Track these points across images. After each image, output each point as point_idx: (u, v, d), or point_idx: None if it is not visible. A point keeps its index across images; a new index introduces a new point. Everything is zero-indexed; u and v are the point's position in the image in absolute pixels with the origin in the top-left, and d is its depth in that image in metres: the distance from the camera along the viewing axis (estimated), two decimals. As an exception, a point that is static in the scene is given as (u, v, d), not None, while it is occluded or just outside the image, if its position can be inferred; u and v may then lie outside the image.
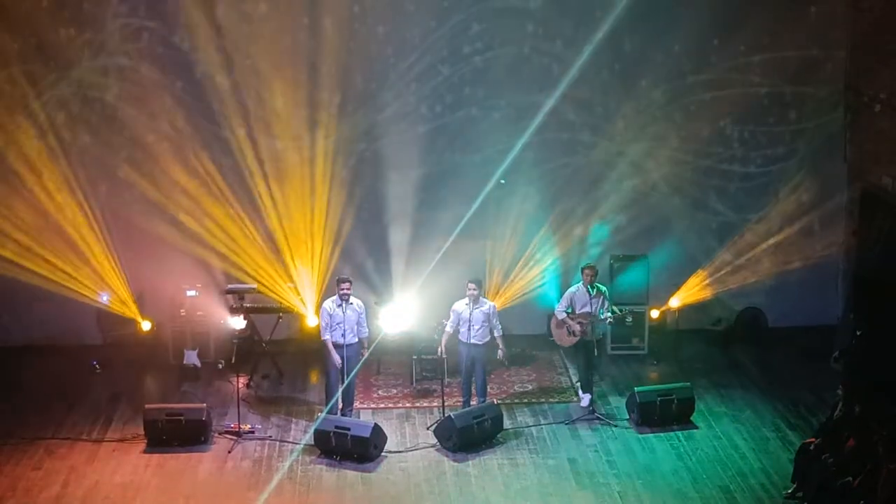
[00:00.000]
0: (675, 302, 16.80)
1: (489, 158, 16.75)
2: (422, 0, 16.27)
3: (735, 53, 16.48)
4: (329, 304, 14.26)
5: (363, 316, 14.36)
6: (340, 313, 14.10)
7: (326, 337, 14.22)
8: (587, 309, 14.63)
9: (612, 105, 16.66)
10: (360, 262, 16.63)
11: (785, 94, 16.73)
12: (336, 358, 14.17)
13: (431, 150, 16.63)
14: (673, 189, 17.03)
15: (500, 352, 14.53)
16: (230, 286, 16.18)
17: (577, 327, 14.68)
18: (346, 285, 14.18)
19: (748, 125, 16.84)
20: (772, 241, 17.00)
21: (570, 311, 14.79)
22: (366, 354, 14.59)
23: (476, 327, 14.34)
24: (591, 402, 14.86)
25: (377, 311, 15.55)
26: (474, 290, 14.30)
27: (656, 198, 17.01)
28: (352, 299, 14.20)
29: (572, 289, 14.93)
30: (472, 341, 14.37)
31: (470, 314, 14.34)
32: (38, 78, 15.98)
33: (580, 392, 15.14)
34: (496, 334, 14.49)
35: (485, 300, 14.60)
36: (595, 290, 14.68)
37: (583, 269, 14.84)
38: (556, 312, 14.95)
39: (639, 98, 16.59)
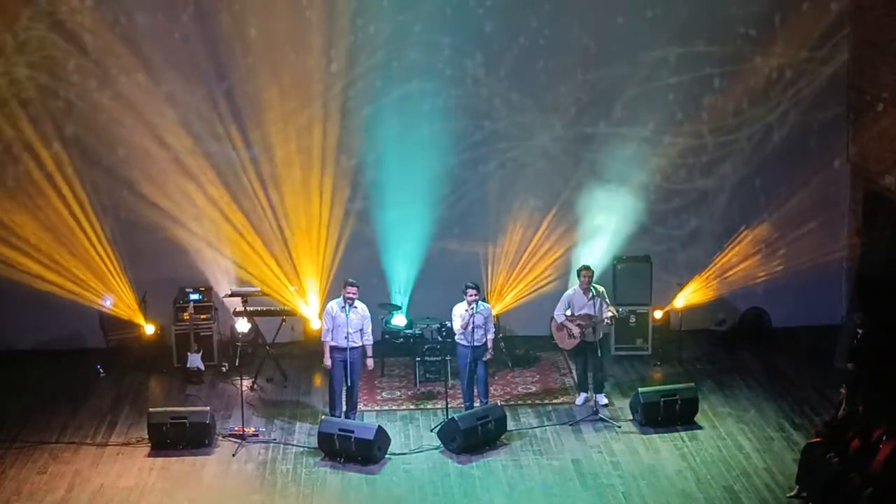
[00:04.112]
0: (678, 302, 16.79)
1: (492, 158, 16.78)
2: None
3: (735, 46, 16.47)
4: (332, 306, 14.24)
5: (368, 321, 14.32)
6: (343, 316, 14.08)
7: (326, 339, 14.22)
8: (586, 311, 14.62)
9: (609, 94, 16.63)
10: (363, 264, 16.62)
11: (785, 89, 16.71)
12: (327, 361, 14.20)
13: (434, 151, 16.61)
14: (673, 188, 17.01)
15: (487, 353, 14.52)
16: (234, 289, 16.20)
17: (577, 329, 14.67)
18: (353, 290, 14.11)
19: (748, 123, 16.83)
20: (775, 240, 16.99)
21: (569, 313, 14.81)
22: (371, 364, 14.53)
23: (478, 330, 14.33)
24: (587, 399, 14.93)
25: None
26: (475, 295, 14.28)
27: (657, 196, 16.98)
28: (356, 303, 14.17)
29: (569, 291, 14.95)
30: (474, 343, 14.35)
31: (472, 317, 14.30)
32: (37, 75, 15.98)
33: (582, 392, 15.19)
34: (489, 336, 14.49)
35: (482, 303, 14.59)
36: (593, 291, 14.67)
37: (579, 271, 14.85)
38: (554, 316, 14.95)
39: (638, 87, 16.60)
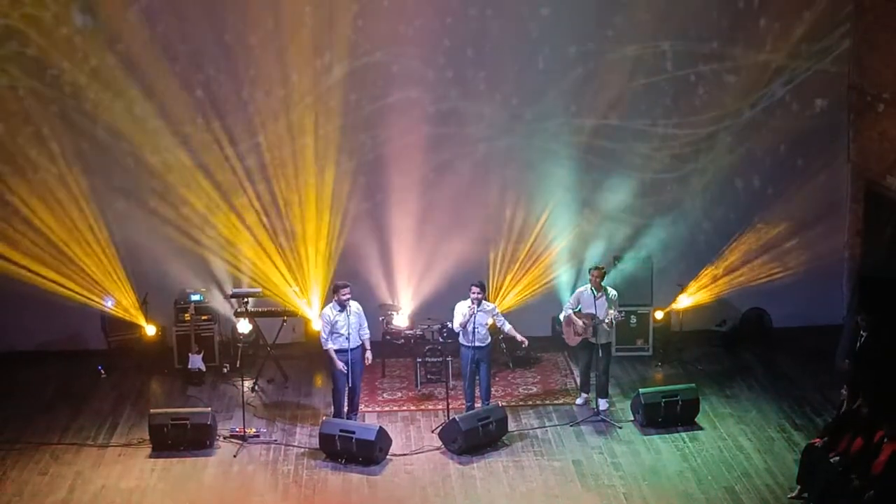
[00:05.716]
0: (679, 303, 16.79)
1: (491, 159, 16.78)
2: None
3: (735, 43, 16.47)
4: (328, 311, 14.19)
5: (363, 317, 14.33)
6: (342, 319, 14.06)
7: (328, 346, 14.17)
8: (591, 310, 14.62)
9: (610, 92, 16.60)
10: (363, 264, 16.63)
11: (786, 89, 16.71)
12: (341, 365, 14.09)
13: (435, 151, 16.60)
14: (673, 186, 17.01)
15: (520, 339, 14.61)
16: (235, 290, 16.20)
17: (581, 324, 14.66)
18: (346, 290, 14.10)
19: (748, 123, 16.81)
20: (776, 240, 16.99)
21: (578, 309, 14.81)
22: (370, 358, 14.55)
23: (480, 330, 14.33)
24: (587, 400, 14.96)
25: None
26: (478, 293, 14.28)
27: (658, 197, 16.98)
28: (350, 302, 14.16)
29: (581, 288, 14.95)
30: (476, 344, 14.36)
31: (474, 317, 14.30)
32: (36, 78, 15.95)
33: (583, 393, 15.20)
34: (507, 328, 14.52)
35: (485, 302, 14.60)
36: (602, 292, 14.67)
37: (590, 271, 14.85)
38: (564, 310, 14.98)
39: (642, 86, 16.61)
